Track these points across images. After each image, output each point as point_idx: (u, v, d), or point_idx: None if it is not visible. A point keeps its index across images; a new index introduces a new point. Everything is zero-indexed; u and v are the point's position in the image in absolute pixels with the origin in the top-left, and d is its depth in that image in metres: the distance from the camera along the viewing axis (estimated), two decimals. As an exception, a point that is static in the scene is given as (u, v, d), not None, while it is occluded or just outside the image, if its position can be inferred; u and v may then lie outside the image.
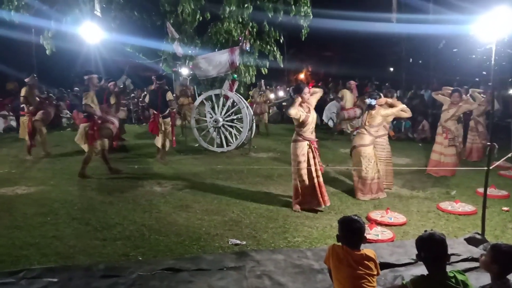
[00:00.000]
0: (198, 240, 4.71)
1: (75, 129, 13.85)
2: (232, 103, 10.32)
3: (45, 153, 9.22)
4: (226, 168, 8.26)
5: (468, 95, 8.84)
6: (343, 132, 13.24)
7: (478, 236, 4.55)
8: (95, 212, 5.55)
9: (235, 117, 10.36)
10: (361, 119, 6.66)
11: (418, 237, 2.71)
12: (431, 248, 2.60)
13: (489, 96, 8.77)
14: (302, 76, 28.86)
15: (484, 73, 14.99)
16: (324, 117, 14.73)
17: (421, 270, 2.82)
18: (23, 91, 8.97)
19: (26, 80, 9.12)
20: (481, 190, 5.69)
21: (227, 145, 10.18)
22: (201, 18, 10.03)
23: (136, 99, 16.62)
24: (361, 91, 13.95)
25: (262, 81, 13.52)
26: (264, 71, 11.14)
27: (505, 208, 5.84)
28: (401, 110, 6.88)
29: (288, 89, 17.71)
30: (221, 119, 10.22)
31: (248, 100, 13.01)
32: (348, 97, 12.34)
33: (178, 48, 9.94)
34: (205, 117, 10.57)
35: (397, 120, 11.68)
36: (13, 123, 13.53)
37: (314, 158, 5.65)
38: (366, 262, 2.87)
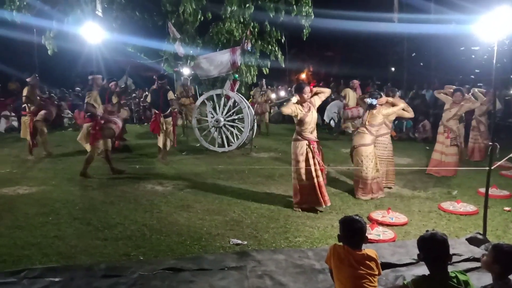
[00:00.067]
0: (199, 240, 4.71)
1: (77, 129, 13.90)
2: (234, 103, 10.32)
3: (46, 153, 9.23)
4: (227, 168, 8.26)
5: (470, 94, 8.82)
6: (344, 132, 13.23)
7: (480, 236, 4.54)
8: (97, 212, 5.55)
9: (236, 117, 10.36)
10: (361, 118, 6.64)
11: (420, 237, 2.70)
12: (433, 248, 2.59)
13: (491, 96, 8.75)
14: (303, 76, 28.84)
15: (477, 71, 15.02)
16: (325, 117, 14.73)
17: (422, 270, 2.82)
18: (25, 91, 8.99)
19: (27, 80, 9.13)
20: (482, 190, 5.69)
21: (228, 145, 10.18)
22: (202, 18, 10.02)
23: (137, 99, 16.64)
24: (363, 91, 13.92)
25: (264, 80, 13.52)
26: (266, 71, 11.13)
27: (507, 208, 5.83)
28: (403, 109, 6.89)
29: (289, 88, 17.74)
30: (222, 119, 10.23)
31: (249, 100, 13.02)
32: (351, 96, 12.32)
33: (179, 48, 9.94)
34: (207, 117, 10.57)
35: (398, 120, 11.67)
36: (15, 123, 13.55)
37: (313, 158, 5.63)
38: (367, 262, 2.87)
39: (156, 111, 8.70)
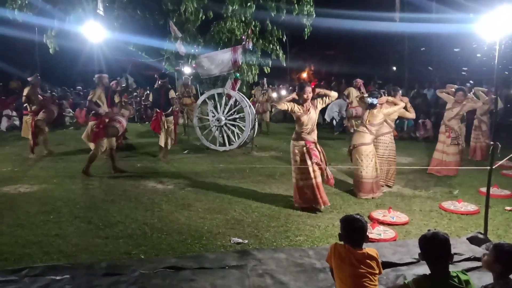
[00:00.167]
0: (200, 238, 4.71)
1: (78, 128, 13.95)
2: (235, 102, 10.32)
3: (47, 151, 9.24)
4: (228, 167, 8.26)
5: (471, 93, 8.80)
6: (345, 131, 13.23)
7: (481, 236, 4.53)
8: (98, 211, 5.56)
9: (237, 116, 10.37)
10: (361, 117, 6.62)
11: (421, 236, 2.70)
12: (434, 248, 2.59)
13: (492, 95, 8.74)
14: (304, 75, 28.81)
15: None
16: (326, 116, 14.73)
17: (423, 269, 2.81)
18: (25, 91, 8.98)
19: (29, 79, 9.14)
20: (483, 189, 5.69)
21: (230, 144, 10.19)
22: (203, 17, 10.04)
23: (138, 98, 16.65)
24: (365, 90, 13.89)
25: (265, 80, 13.51)
26: (267, 70, 11.15)
27: (508, 208, 5.81)
28: (406, 109, 6.89)
29: (290, 87, 17.73)
30: (223, 118, 10.23)
31: (251, 99, 13.01)
32: (355, 95, 12.30)
33: (180, 47, 9.95)
34: (208, 116, 10.58)
35: (399, 119, 11.66)
36: (16, 123, 13.56)
37: (310, 158, 5.62)
38: (368, 261, 2.87)
39: (158, 110, 8.71)
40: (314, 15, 10.18)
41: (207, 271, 3.80)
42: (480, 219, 5.13)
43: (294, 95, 5.76)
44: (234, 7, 9.63)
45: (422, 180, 7.49)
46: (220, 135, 10.39)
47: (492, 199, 5.27)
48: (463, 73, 15.98)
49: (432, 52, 19.19)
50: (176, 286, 3.56)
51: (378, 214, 5.49)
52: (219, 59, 9.93)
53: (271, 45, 10.72)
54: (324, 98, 5.77)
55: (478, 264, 3.77)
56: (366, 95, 6.98)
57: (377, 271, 2.90)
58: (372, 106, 6.39)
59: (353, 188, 6.53)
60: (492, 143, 4.53)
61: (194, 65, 10.55)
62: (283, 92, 16.39)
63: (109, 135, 7.41)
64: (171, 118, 8.77)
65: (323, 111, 14.00)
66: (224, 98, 10.29)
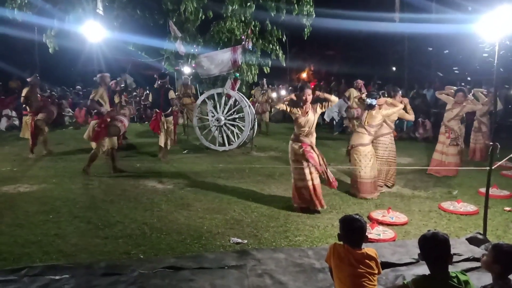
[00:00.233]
0: (200, 238, 4.71)
1: (77, 127, 13.94)
2: (234, 102, 10.32)
3: (46, 151, 9.23)
4: (227, 167, 8.26)
5: (470, 94, 8.80)
6: (345, 131, 13.24)
7: (480, 236, 4.54)
8: (97, 210, 5.56)
9: (237, 116, 10.37)
10: (360, 118, 6.61)
11: (421, 236, 2.69)
12: (434, 248, 2.58)
13: (492, 96, 8.74)
14: (304, 75, 28.82)
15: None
16: (325, 116, 14.72)
17: (422, 269, 2.82)
18: (24, 92, 8.96)
19: (28, 79, 9.14)
20: (483, 190, 5.69)
21: (229, 144, 10.19)
22: (203, 16, 10.04)
23: (138, 98, 16.64)
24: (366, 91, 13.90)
25: (264, 80, 13.51)
26: (266, 70, 11.15)
27: (507, 208, 5.82)
28: (405, 111, 6.89)
29: (290, 87, 17.74)
30: (223, 118, 10.23)
31: (250, 99, 13.01)
32: (356, 95, 12.29)
33: (180, 47, 9.94)
34: (207, 115, 10.58)
35: (399, 120, 11.67)
36: (16, 122, 13.55)
37: (306, 160, 5.61)
38: (367, 260, 2.87)
39: (157, 110, 8.70)
40: (314, 15, 10.17)
41: (206, 271, 3.80)
42: (479, 219, 5.13)
43: (292, 96, 5.77)
44: (234, 7, 9.62)
45: (422, 180, 7.49)
46: (219, 135, 10.39)
47: (491, 200, 5.27)
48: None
49: (432, 52, 19.20)
50: (175, 286, 3.56)
51: (377, 214, 5.49)
52: (218, 59, 9.93)
53: (271, 45, 10.71)
54: (324, 102, 5.72)
55: (477, 264, 3.78)
56: (364, 95, 6.97)
57: (376, 271, 2.90)
58: (370, 107, 6.39)
59: (351, 188, 6.52)
60: (491, 143, 4.54)
61: (193, 65, 10.54)
62: (283, 92, 16.41)
63: (111, 135, 7.39)
64: (170, 118, 8.76)
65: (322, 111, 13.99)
66: (223, 98, 10.29)
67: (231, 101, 10.30)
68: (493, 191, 6.19)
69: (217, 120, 10.27)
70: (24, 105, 9.12)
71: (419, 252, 2.68)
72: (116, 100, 8.58)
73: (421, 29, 15.13)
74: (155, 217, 5.36)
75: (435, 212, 5.75)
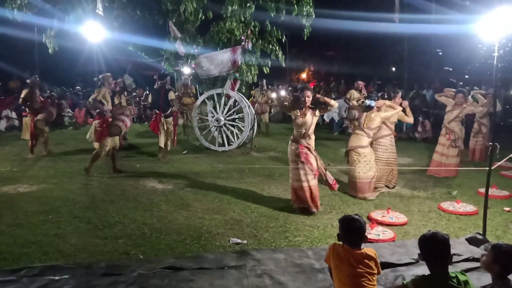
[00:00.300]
0: (199, 239, 4.71)
1: (77, 128, 13.94)
2: (234, 103, 10.32)
3: (46, 152, 9.23)
4: (227, 167, 8.26)
5: (469, 96, 8.80)
6: (344, 131, 13.24)
7: (479, 236, 4.54)
8: (97, 211, 5.56)
9: (236, 116, 10.37)
10: (359, 120, 6.60)
11: (421, 236, 2.69)
12: (434, 248, 2.58)
13: (491, 97, 8.74)
14: (304, 75, 28.83)
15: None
16: (325, 117, 14.72)
17: (422, 270, 2.82)
18: (23, 93, 8.95)
19: (27, 81, 9.13)
20: (482, 190, 5.69)
21: (229, 144, 10.19)
22: (203, 17, 10.05)
23: (137, 98, 16.62)
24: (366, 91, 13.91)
25: (264, 81, 13.51)
26: (266, 70, 11.15)
27: (507, 208, 5.82)
28: (405, 114, 6.90)
29: (290, 88, 17.74)
30: (222, 118, 10.23)
31: (250, 99, 13.01)
32: (356, 97, 12.30)
33: (180, 47, 9.94)
34: (207, 116, 10.58)
35: (398, 120, 11.68)
36: (16, 123, 13.52)
37: (303, 162, 5.59)
38: (366, 260, 2.88)
39: (157, 111, 8.70)
40: (314, 16, 10.18)
41: (206, 271, 3.80)
42: (479, 219, 5.14)
43: (290, 97, 5.76)
44: (233, 7, 9.63)
45: (421, 180, 7.50)
46: (219, 136, 10.39)
47: (491, 200, 5.28)
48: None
49: (432, 53, 19.22)
50: (175, 287, 3.56)
51: (377, 214, 5.49)
52: (218, 60, 9.93)
53: (271, 46, 10.72)
54: (323, 106, 5.65)
55: (477, 264, 3.78)
56: (362, 99, 6.97)
57: (375, 271, 2.90)
58: (369, 108, 6.39)
59: (349, 189, 6.51)
60: (491, 144, 4.54)
61: (193, 65, 10.54)
62: (283, 93, 16.44)
63: (112, 134, 7.39)
64: (170, 119, 8.76)
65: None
66: (223, 98, 10.29)
67: (230, 102, 10.30)
68: (492, 191, 6.20)
69: (217, 121, 10.27)
70: (23, 107, 9.10)
71: (419, 252, 2.68)
72: (116, 100, 8.56)
73: (421, 30, 15.14)
74: (155, 217, 5.36)
75: (435, 212, 5.75)
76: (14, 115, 13.64)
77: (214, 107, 10.42)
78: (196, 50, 10.45)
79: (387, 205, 5.80)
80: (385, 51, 22.28)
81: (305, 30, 10.38)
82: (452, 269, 2.62)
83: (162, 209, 5.71)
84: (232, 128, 10.40)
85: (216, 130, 10.37)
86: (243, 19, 10.27)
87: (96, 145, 7.40)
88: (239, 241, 4.66)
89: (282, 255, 4.17)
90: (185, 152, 9.99)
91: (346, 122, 13.31)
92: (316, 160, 5.64)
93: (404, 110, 7.05)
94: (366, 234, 3.00)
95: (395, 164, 6.95)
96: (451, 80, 15.05)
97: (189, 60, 10.50)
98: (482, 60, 13.84)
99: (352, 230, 2.92)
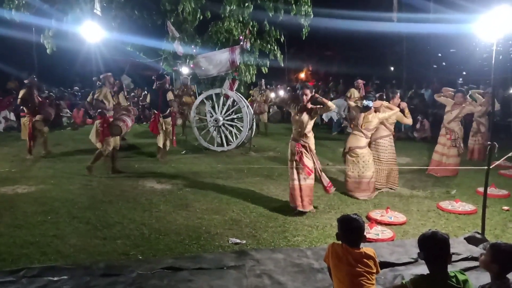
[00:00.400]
0: (198, 239, 4.71)
1: (75, 128, 13.92)
2: (233, 102, 10.32)
3: (45, 152, 9.21)
4: (226, 167, 8.26)
5: (467, 96, 8.81)
6: (343, 131, 13.25)
7: (478, 235, 4.55)
8: (95, 211, 5.55)
9: (235, 116, 10.37)
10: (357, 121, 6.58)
11: (421, 235, 2.70)
12: (434, 247, 2.58)
13: (489, 97, 8.75)
14: (302, 75, 28.85)
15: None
16: (324, 116, 14.74)
17: (421, 269, 2.82)
18: (21, 93, 8.94)
19: (25, 81, 9.11)
20: (481, 189, 5.69)
21: (227, 144, 10.18)
22: (201, 17, 10.03)
23: (136, 98, 16.62)
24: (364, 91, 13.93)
25: (263, 81, 13.51)
26: (265, 70, 11.14)
27: (505, 208, 5.83)
28: (404, 115, 6.91)
29: (288, 88, 17.74)
30: (221, 118, 10.22)
31: (249, 99, 13.01)
32: (356, 96, 12.31)
33: (178, 47, 9.93)
34: (206, 116, 10.57)
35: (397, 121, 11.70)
36: (14, 123, 13.50)
37: (298, 160, 5.58)
38: (365, 260, 2.88)
39: (155, 112, 8.70)
40: (312, 16, 10.17)
41: (205, 271, 3.80)
42: (477, 219, 5.15)
43: (288, 96, 5.78)
44: (232, 7, 9.61)
45: (420, 180, 7.50)
46: (218, 136, 10.39)
47: (489, 199, 5.28)
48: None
49: (431, 52, 19.25)
50: (174, 287, 3.56)
51: (376, 214, 5.50)
52: (217, 59, 9.92)
53: (269, 46, 10.71)
54: (320, 106, 5.60)
55: (476, 264, 3.78)
56: (360, 101, 6.98)
57: (374, 270, 2.91)
58: (367, 109, 6.38)
59: (346, 189, 6.51)
60: (489, 143, 4.55)
61: (192, 65, 10.53)
62: (281, 93, 16.44)
63: (113, 134, 7.38)
64: (168, 119, 8.76)
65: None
66: (222, 98, 10.28)
67: (229, 102, 10.30)
68: (491, 190, 6.21)
69: (216, 121, 10.26)
70: (21, 107, 9.09)
71: (418, 251, 2.68)
72: (115, 101, 8.55)
73: (419, 29, 15.16)
74: (154, 218, 5.36)
75: (434, 211, 5.76)
76: (12, 116, 13.61)
77: (213, 107, 10.41)
78: (194, 50, 10.44)
79: (386, 205, 5.80)
80: (383, 51, 22.32)
81: (303, 30, 10.37)
82: (451, 268, 2.63)
83: (161, 209, 5.70)
84: (231, 128, 10.40)
85: (215, 130, 10.37)
86: (241, 19, 10.25)
87: (98, 145, 7.40)
88: (238, 241, 4.65)
89: (281, 255, 4.17)
90: (183, 152, 9.98)
91: (345, 122, 13.34)
92: (313, 160, 5.63)
93: (403, 111, 7.05)
94: (365, 233, 3.00)
95: (394, 164, 6.94)
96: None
97: (188, 60, 10.49)
98: (479, 61, 13.89)
99: (351, 230, 2.92)
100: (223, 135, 10.28)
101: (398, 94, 7.29)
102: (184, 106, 11.94)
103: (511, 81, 15.61)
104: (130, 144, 10.72)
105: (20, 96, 8.93)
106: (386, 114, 6.55)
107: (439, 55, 17.33)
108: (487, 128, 9.20)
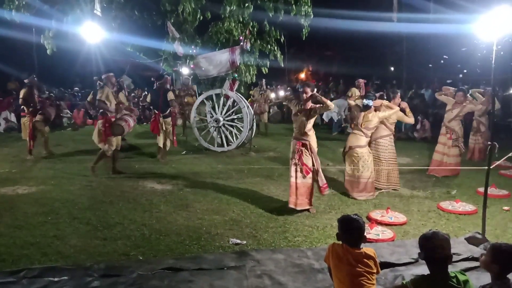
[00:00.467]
0: (199, 239, 4.71)
1: (76, 129, 13.92)
2: (233, 103, 10.32)
3: (47, 152, 9.22)
4: (226, 167, 8.26)
5: (468, 95, 8.81)
6: (343, 131, 13.25)
7: (479, 236, 4.55)
8: (96, 212, 5.55)
9: (235, 116, 10.37)
10: (357, 120, 6.59)
11: (422, 235, 2.69)
12: (434, 248, 2.58)
13: (489, 96, 8.75)
14: (302, 75, 28.87)
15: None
16: (324, 116, 14.74)
17: (421, 269, 2.82)
18: (22, 93, 8.95)
19: (25, 81, 9.12)
20: (481, 189, 5.69)
21: (228, 145, 10.18)
22: (201, 17, 10.03)
23: (136, 99, 16.62)
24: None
25: (264, 81, 13.51)
26: (265, 70, 11.14)
27: (506, 208, 5.83)
28: (405, 114, 6.91)
29: (288, 88, 17.74)
30: (221, 119, 10.23)
31: (249, 99, 13.02)
32: (357, 95, 12.31)
33: (178, 48, 9.94)
34: (206, 116, 10.57)
35: (398, 120, 11.69)
36: (14, 124, 13.50)
37: (298, 158, 5.60)
38: (365, 260, 2.88)
39: (156, 111, 8.71)
40: (312, 16, 10.17)
41: (205, 272, 3.80)
42: (478, 219, 5.14)
43: (288, 95, 5.79)
44: (232, 7, 9.61)
45: (420, 180, 7.50)
46: (218, 136, 10.39)
47: (490, 199, 5.27)
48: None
49: (430, 53, 19.26)
50: (174, 287, 3.56)
51: (376, 214, 5.49)
52: (217, 60, 9.93)
53: (269, 46, 10.71)
54: (319, 105, 5.61)
55: (476, 264, 3.78)
56: (360, 100, 6.98)
57: (374, 270, 2.91)
58: (366, 108, 6.39)
59: (346, 189, 6.51)
60: (489, 143, 4.55)
61: (192, 66, 10.54)
62: (281, 93, 16.45)
63: (115, 133, 7.38)
64: (169, 119, 8.76)
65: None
66: (222, 98, 10.29)
67: (229, 102, 10.30)
68: (491, 190, 6.21)
69: (216, 121, 10.27)
70: (22, 106, 9.10)
71: (418, 251, 2.67)
72: (116, 101, 8.55)
73: (419, 29, 15.17)
74: (154, 218, 5.36)
75: (434, 212, 5.76)
76: (13, 117, 13.61)
77: (213, 108, 10.41)
78: (194, 51, 10.44)
79: (387, 205, 5.80)
80: (383, 51, 22.34)
81: (303, 30, 10.38)
82: (451, 269, 2.62)
83: (162, 210, 5.70)
84: (231, 129, 10.40)
85: (215, 130, 10.37)
86: (241, 19, 10.26)
87: (101, 145, 7.40)
88: (238, 241, 4.65)
89: (282, 255, 4.17)
90: (184, 152, 9.98)
91: (345, 123, 13.34)
92: (312, 159, 5.64)
93: (404, 111, 7.04)
94: (365, 234, 3.00)
95: (395, 164, 6.94)
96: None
97: (188, 61, 10.49)
98: (478, 63, 13.90)
99: (351, 230, 2.92)
100: (223, 136, 10.28)
101: (399, 94, 7.29)
102: (186, 107, 11.94)
103: (511, 81, 15.63)
104: (130, 145, 10.72)
105: (21, 96, 8.94)
106: (386, 113, 6.55)
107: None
108: (487, 127, 9.21)
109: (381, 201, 6.22)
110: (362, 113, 6.43)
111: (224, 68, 9.92)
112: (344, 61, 23.83)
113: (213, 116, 10.33)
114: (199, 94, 10.72)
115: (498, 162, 5.70)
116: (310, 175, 5.61)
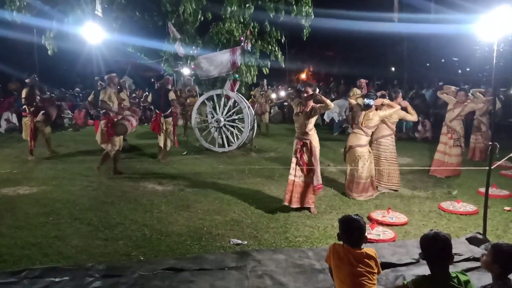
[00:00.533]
0: (200, 240, 4.71)
1: (77, 129, 13.93)
2: (234, 103, 10.33)
3: (49, 153, 9.23)
4: (227, 168, 8.27)
5: (469, 94, 8.81)
6: (344, 132, 13.24)
7: (480, 236, 4.54)
8: (97, 212, 5.55)
9: (236, 117, 10.37)
10: (357, 119, 6.58)
11: (423, 235, 2.68)
12: (435, 248, 2.58)
13: (490, 96, 8.75)
14: (303, 76, 28.87)
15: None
16: (325, 117, 14.73)
17: (422, 270, 2.82)
18: (23, 93, 8.97)
19: (26, 80, 9.13)
20: (482, 189, 5.70)
21: (229, 145, 10.19)
22: (202, 18, 10.02)
23: (137, 99, 16.62)
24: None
25: (265, 81, 13.51)
26: (266, 71, 11.14)
27: (507, 208, 5.83)
28: (407, 112, 6.90)
29: (289, 88, 17.72)
30: (222, 119, 10.23)
31: (250, 100, 13.02)
32: (358, 93, 12.30)
33: (179, 48, 9.95)
34: (207, 117, 10.58)
35: (399, 120, 11.69)
36: (15, 125, 13.52)
37: (298, 157, 5.62)
38: (366, 260, 2.88)
39: (157, 111, 8.72)
40: (313, 16, 10.16)
41: (206, 272, 3.81)
42: (479, 219, 5.14)
43: (291, 94, 5.80)
44: (232, 8, 9.61)
45: (421, 180, 7.50)
46: (219, 136, 10.39)
47: (491, 199, 5.28)
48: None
49: (431, 53, 19.25)
50: (175, 288, 3.56)
51: (377, 214, 5.49)
52: (218, 60, 9.94)
53: (270, 46, 10.70)
54: (319, 105, 5.60)
55: (477, 264, 3.79)
56: (361, 99, 6.97)
57: (375, 270, 2.91)
58: (367, 107, 6.39)
59: (346, 189, 6.50)
60: (490, 143, 4.54)
61: (193, 66, 10.55)
62: (282, 93, 16.45)
63: (118, 133, 7.38)
64: (170, 119, 8.77)
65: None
66: (223, 99, 10.29)
67: (230, 102, 10.31)
68: (492, 190, 6.21)
69: (217, 122, 10.27)
70: (24, 106, 9.11)
71: (419, 252, 2.67)
72: (118, 101, 8.57)
73: (420, 30, 15.18)
74: (155, 219, 5.36)
75: (435, 212, 5.75)
76: (14, 117, 13.62)
77: (214, 108, 10.42)
78: (195, 51, 10.44)
79: (388, 205, 5.80)
80: (384, 51, 22.33)
81: (304, 30, 10.37)
82: (452, 269, 2.62)
83: (163, 210, 5.71)
84: (232, 129, 10.41)
85: (216, 131, 10.37)
86: (242, 20, 10.25)
87: (104, 146, 7.40)
88: (239, 242, 4.66)
89: (283, 255, 4.17)
90: (185, 153, 9.99)
91: (347, 123, 13.33)
92: (312, 159, 5.63)
93: (405, 109, 7.03)
94: (366, 234, 3.00)
95: (395, 164, 6.94)
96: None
97: (189, 61, 10.49)
98: (478, 63, 13.89)
99: (352, 230, 2.93)
100: (224, 136, 10.29)
101: (400, 94, 7.29)
102: (188, 107, 11.95)
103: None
104: (131, 145, 10.73)
105: (23, 95, 8.96)
106: (387, 112, 6.54)
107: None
108: (488, 127, 9.21)
109: (382, 202, 6.22)
110: (363, 112, 6.43)
111: (225, 69, 9.93)
112: (345, 62, 23.82)
113: (214, 116, 10.34)
114: (200, 95, 10.72)
115: (499, 163, 5.69)
116: (309, 174, 5.63)
